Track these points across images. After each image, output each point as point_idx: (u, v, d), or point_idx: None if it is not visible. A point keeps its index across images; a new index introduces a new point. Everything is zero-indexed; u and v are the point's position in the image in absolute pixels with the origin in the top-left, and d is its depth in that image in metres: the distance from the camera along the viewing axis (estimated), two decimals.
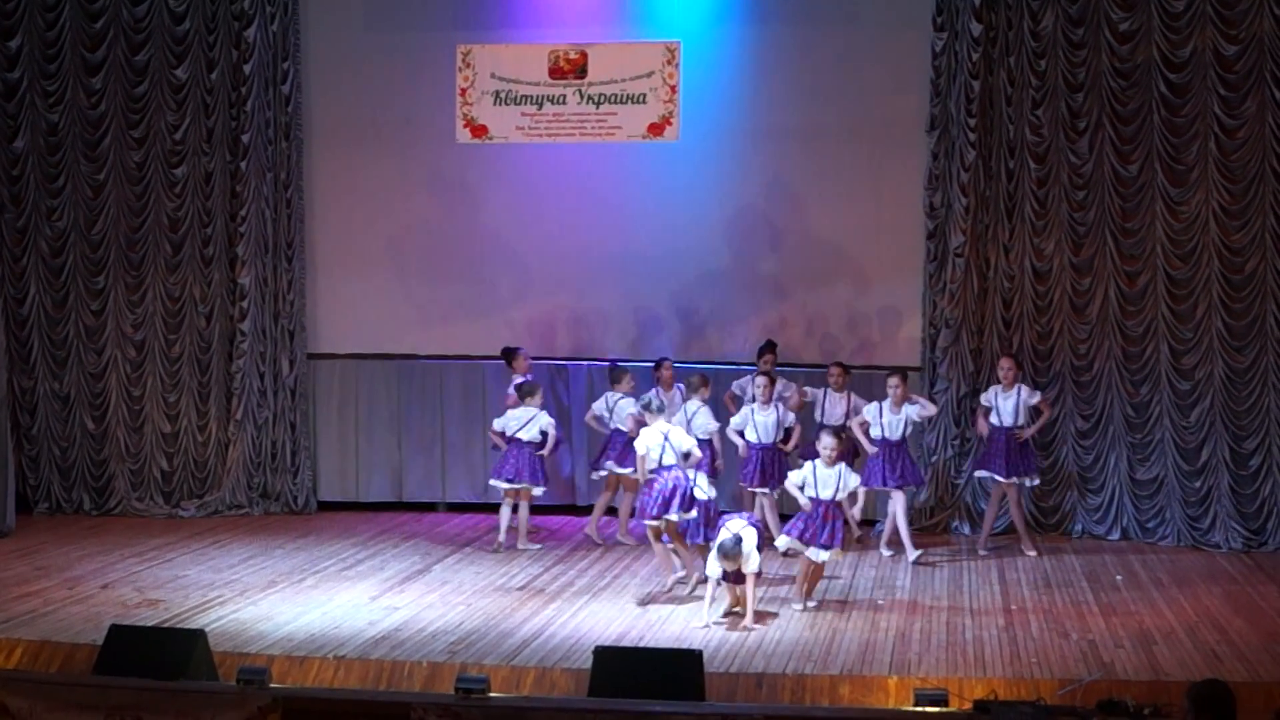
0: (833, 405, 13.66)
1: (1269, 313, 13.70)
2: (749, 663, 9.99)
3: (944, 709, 8.30)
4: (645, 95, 15.04)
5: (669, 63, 15.00)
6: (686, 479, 11.73)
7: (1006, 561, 13.11)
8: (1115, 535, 14.05)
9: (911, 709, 8.53)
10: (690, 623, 10.93)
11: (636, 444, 12.14)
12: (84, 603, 11.47)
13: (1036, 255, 14.26)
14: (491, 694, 8.51)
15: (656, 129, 15.06)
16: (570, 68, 15.14)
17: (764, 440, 13.31)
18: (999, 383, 13.41)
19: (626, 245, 15.20)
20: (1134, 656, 10.18)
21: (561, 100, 15.16)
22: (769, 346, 14.09)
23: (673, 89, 15.00)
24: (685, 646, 9.92)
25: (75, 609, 11.25)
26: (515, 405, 13.61)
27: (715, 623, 10.90)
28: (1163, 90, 13.80)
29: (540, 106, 15.20)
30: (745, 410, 13.46)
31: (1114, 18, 13.90)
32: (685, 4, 15.04)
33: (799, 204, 14.95)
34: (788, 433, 13.46)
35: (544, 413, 13.61)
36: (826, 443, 11.54)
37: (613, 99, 15.08)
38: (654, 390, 13.14)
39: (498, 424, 13.66)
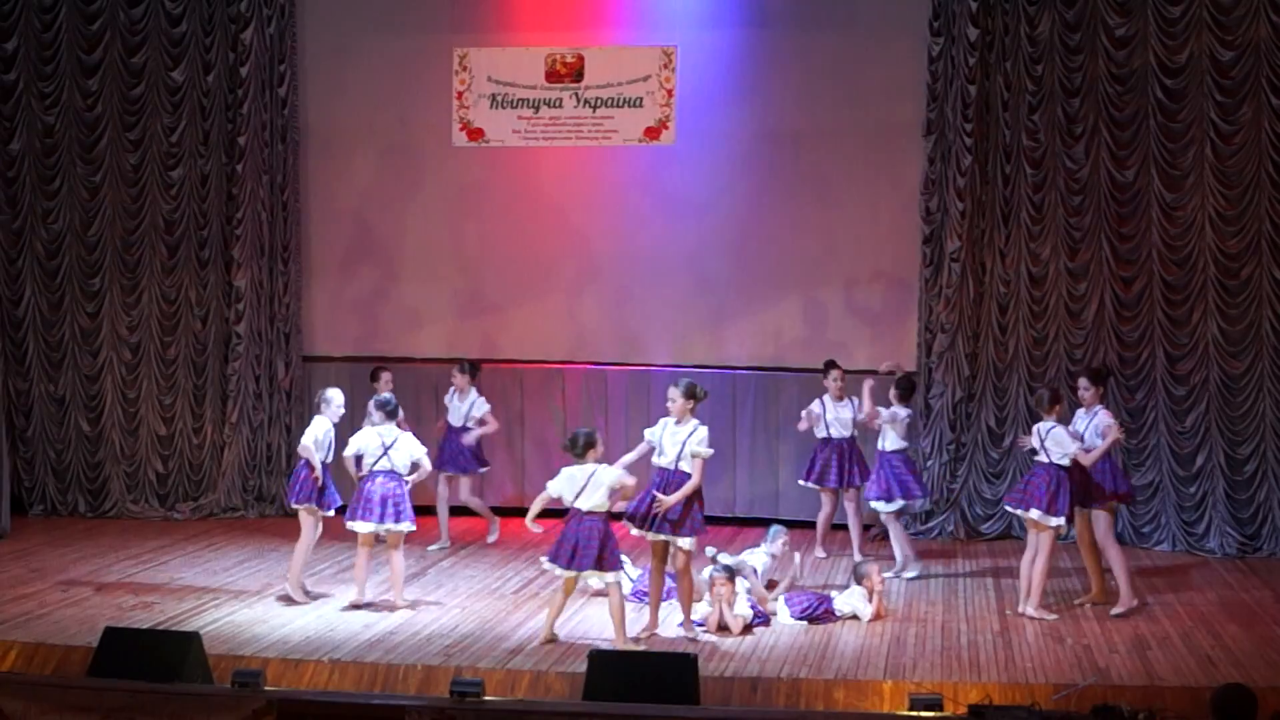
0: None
1: (1264, 319, 13.70)
2: (744, 667, 10.00)
3: (939, 714, 8.29)
4: (642, 99, 15.05)
5: (666, 66, 15.01)
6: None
7: (1001, 566, 13.10)
8: None
9: (906, 714, 8.52)
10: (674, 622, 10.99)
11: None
12: (79, 605, 11.46)
13: (1032, 260, 14.26)
14: (486, 697, 8.50)
15: (653, 133, 15.07)
16: (567, 71, 15.14)
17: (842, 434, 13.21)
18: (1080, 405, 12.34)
19: (622, 249, 15.21)
20: (1129, 661, 10.19)
21: (558, 104, 15.16)
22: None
23: (669, 93, 15.00)
24: (680, 650, 9.91)
25: (70, 611, 11.25)
26: None
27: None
28: (1159, 96, 13.80)
29: (537, 110, 15.20)
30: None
31: (1111, 23, 13.90)
32: (682, 8, 15.05)
33: (795, 208, 14.94)
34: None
35: None
36: (867, 571, 11.56)
37: (609, 102, 15.08)
38: None
39: None
